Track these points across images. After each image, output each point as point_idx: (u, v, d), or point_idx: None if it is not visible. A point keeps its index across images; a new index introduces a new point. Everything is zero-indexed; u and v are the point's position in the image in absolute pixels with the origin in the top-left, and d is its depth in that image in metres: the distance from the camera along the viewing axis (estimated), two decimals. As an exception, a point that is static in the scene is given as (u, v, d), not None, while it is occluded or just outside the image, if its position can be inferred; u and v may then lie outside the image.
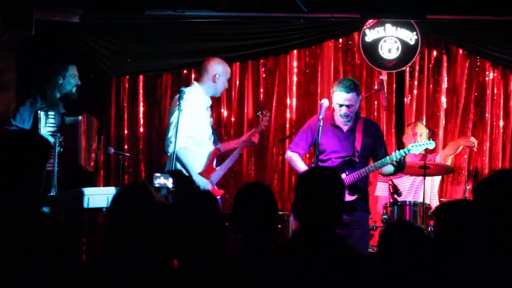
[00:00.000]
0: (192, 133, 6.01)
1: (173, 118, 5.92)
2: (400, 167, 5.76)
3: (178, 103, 5.87)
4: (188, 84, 6.69)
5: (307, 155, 7.02)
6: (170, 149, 5.87)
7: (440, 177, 7.14)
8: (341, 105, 5.71)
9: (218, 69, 6.17)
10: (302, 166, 5.87)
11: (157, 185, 4.12)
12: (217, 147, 6.24)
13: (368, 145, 5.82)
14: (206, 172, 6.05)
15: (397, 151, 5.72)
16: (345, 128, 5.81)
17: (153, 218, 3.16)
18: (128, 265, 3.06)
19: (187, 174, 5.82)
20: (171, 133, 5.90)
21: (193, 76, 7.67)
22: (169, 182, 4.06)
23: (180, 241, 3.03)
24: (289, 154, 5.98)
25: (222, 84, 6.24)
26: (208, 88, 6.17)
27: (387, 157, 5.68)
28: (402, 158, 5.67)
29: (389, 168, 5.79)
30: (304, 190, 3.16)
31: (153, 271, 3.04)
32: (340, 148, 5.80)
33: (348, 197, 5.71)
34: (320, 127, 5.75)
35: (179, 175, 3.90)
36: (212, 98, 6.30)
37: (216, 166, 6.23)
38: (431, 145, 5.88)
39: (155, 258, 3.06)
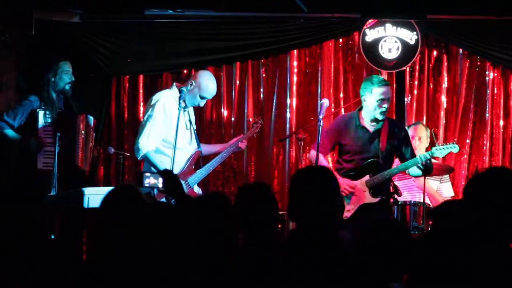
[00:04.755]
0: (165, 136, 5.91)
1: (151, 118, 5.86)
2: (427, 170, 5.74)
3: (178, 102, 5.85)
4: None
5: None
6: (140, 154, 5.83)
7: (449, 182, 7.11)
8: (383, 100, 5.67)
9: (196, 80, 5.98)
10: (327, 166, 5.85)
11: (146, 185, 4.10)
12: (198, 150, 6.12)
13: (393, 146, 5.80)
14: (184, 175, 5.91)
15: (421, 155, 5.70)
16: (371, 129, 5.79)
17: (142, 219, 3.16)
18: (120, 266, 3.06)
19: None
20: (142, 135, 5.84)
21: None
22: (159, 182, 4.05)
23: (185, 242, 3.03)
24: (313, 153, 5.89)
25: (193, 96, 5.97)
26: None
27: (411, 160, 5.67)
28: (428, 161, 5.64)
29: (416, 170, 5.76)
30: (296, 191, 3.17)
31: (147, 272, 3.03)
32: (364, 149, 5.79)
33: (371, 199, 5.71)
34: (320, 126, 5.77)
35: (169, 175, 3.89)
36: (212, 98, 6.27)
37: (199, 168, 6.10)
38: (455, 149, 5.81)
39: (149, 259, 3.06)
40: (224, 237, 3.08)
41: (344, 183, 5.73)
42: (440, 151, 5.75)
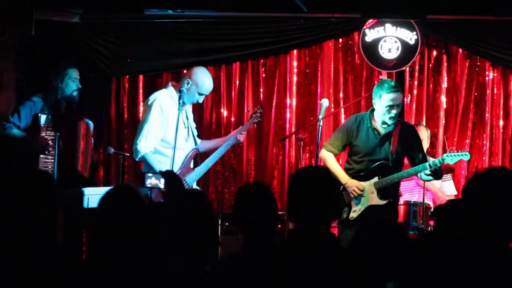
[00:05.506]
0: (163, 136, 5.92)
1: (148, 119, 5.89)
2: (437, 175, 5.74)
3: (178, 103, 5.86)
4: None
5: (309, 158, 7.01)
6: (139, 155, 5.87)
7: (451, 180, 7.12)
8: (391, 107, 5.66)
9: (192, 77, 6.01)
10: (336, 166, 5.84)
11: (148, 186, 4.12)
12: (196, 147, 6.13)
13: (404, 150, 5.78)
14: (182, 174, 5.90)
15: (431, 160, 5.69)
16: (382, 132, 5.77)
17: (141, 219, 3.16)
18: (117, 267, 3.06)
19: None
20: (140, 137, 5.88)
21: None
22: (161, 183, 4.06)
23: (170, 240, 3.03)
24: (324, 153, 5.89)
25: (191, 94, 6.01)
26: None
27: (421, 165, 5.65)
28: (438, 167, 5.64)
29: (427, 173, 5.75)
30: (295, 191, 3.17)
31: (143, 273, 3.03)
32: (374, 151, 5.76)
33: (379, 201, 5.70)
34: (320, 127, 5.76)
35: (171, 176, 3.90)
36: (212, 98, 6.26)
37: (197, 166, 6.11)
38: (466, 156, 5.78)
39: (145, 259, 3.06)
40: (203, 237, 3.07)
41: (353, 184, 5.72)
42: (451, 158, 5.71)
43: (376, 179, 5.72)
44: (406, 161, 6.00)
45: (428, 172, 5.66)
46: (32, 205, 3.12)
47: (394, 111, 5.66)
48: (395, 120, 5.72)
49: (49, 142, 6.08)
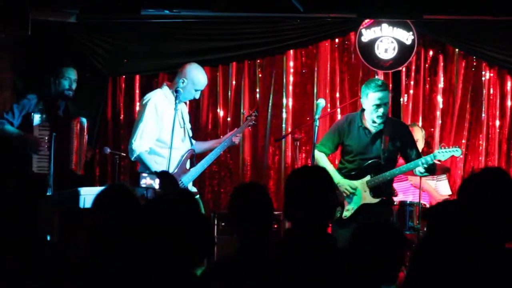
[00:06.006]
0: (159, 136, 5.92)
1: (142, 119, 5.89)
2: (430, 170, 5.77)
3: (175, 103, 5.86)
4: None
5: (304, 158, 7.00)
6: (134, 155, 5.87)
7: (446, 180, 7.13)
8: (378, 105, 5.68)
9: (187, 75, 6.00)
10: (328, 166, 5.85)
11: (143, 186, 4.12)
12: (192, 148, 6.13)
13: (395, 147, 5.80)
14: (178, 174, 5.89)
15: (423, 157, 5.71)
16: (373, 130, 5.79)
17: (134, 219, 3.15)
18: (111, 266, 3.06)
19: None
20: (135, 136, 5.88)
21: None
22: (156, 183, 4.06)
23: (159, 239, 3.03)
24: (316, 154, 5.89)
25: (188, 92, 6.02)
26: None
27: (413, 162, 5.68)
28: (430, 163, 5.66)
29: (421, 170, 5.76)
30: (291, 191, 3.17)
31: (140, 273, 3.02)
32: (366, 150, 5.78)
33: (371, 200, 5.72)
34: (316, 127, 5.77)
35: (166, 176, 3.91)
36: (209, 98, 6.25)
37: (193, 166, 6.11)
38: (458, 152, 5.80)
39: (140, 259, 3.05)
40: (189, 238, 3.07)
41: (345, 184, 5.75)
42: (443, 154, 5.74)
43: (368, 177, 5.74)
44: (401, 160, 6.01)
45: (421, 169, 5.69)
46: (30, 206, 3.12)
47: (381, 110, 5.68)
48: (383, 119, 5.73)
49: (42, 141, 6.07)
